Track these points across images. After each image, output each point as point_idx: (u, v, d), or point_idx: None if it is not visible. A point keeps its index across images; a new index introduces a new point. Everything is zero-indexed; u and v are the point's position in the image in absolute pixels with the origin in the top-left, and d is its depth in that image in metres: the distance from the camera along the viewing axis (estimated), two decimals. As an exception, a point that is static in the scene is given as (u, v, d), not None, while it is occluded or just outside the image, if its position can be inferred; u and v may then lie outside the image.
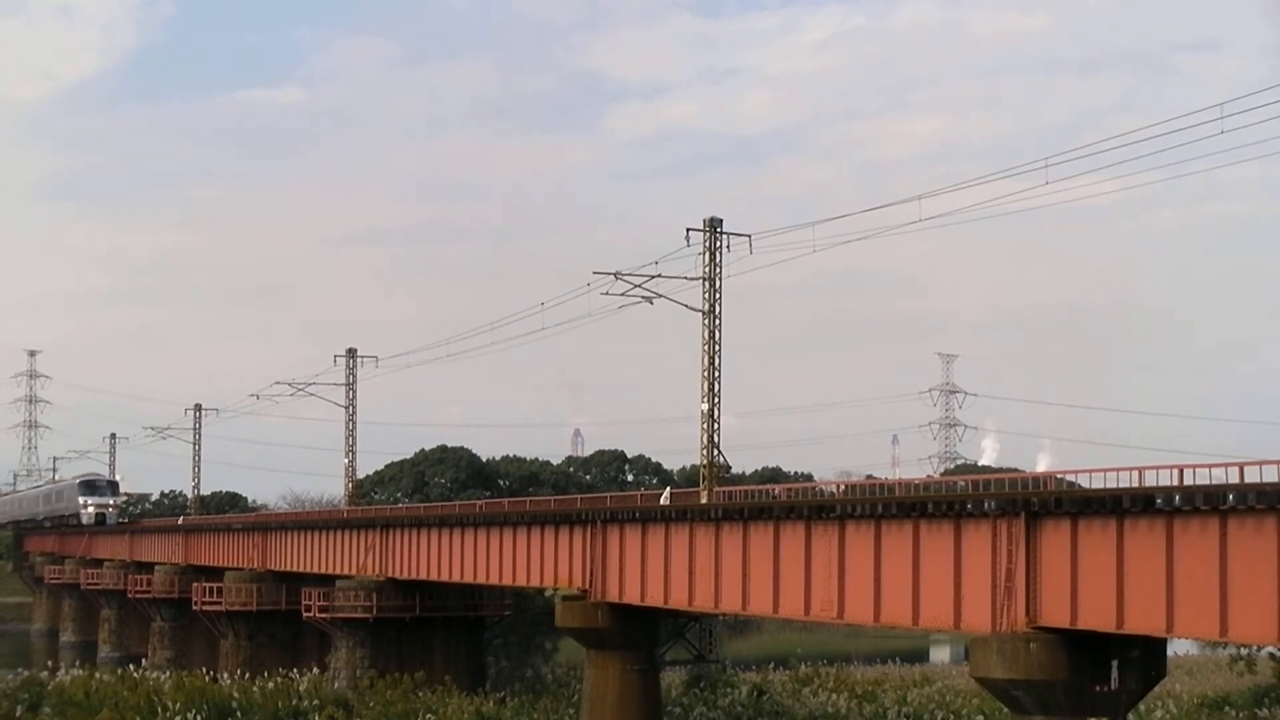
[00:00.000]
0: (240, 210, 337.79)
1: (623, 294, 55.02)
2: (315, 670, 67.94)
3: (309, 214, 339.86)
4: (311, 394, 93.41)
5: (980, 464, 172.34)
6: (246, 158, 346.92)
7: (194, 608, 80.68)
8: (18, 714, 61.05)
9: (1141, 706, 50.09)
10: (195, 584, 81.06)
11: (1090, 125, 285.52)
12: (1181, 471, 33.36)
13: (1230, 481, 30.91)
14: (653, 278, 54.46)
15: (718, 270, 52.86)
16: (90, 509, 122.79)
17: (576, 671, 65.08)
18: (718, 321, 52.77)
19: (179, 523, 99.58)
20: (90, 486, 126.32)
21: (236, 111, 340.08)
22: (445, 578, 59.47)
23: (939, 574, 33.49)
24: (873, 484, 64.25)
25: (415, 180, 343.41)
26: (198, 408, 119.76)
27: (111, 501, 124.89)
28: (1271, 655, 58.59)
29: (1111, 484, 33.96)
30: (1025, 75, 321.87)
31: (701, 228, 52.83)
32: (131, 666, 75.72)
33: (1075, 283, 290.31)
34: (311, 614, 66.51)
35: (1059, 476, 42.50)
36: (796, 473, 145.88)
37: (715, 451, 53.29)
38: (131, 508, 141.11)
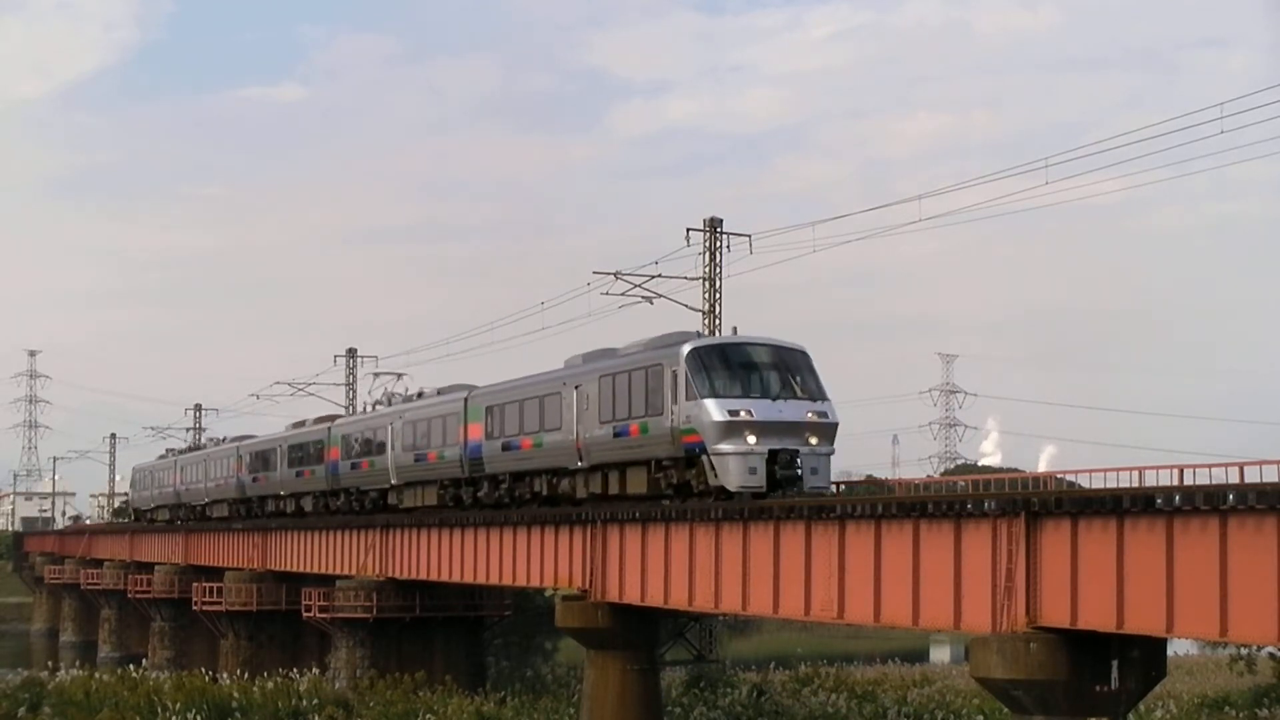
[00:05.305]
0: (240, 209, 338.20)
1: (623, 294, 55.07)
2: (315, 670, 67.85)
3: (309, 213, 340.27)
4: (311, 394, 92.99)
5: (980, 464, 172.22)
6: (247, 156, 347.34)
7: (194, 608, 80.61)
8: (18, 714, 61.00)
9: (1141, 707, 50.03)
10: (195, 584, 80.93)
11: (1096, 124, 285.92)
12: (1181, 471, 33.36)
13: (1230, 481, 30.91)
14: (653, 278, 54.54)
15: (718, 270, 52.99)
16: None
17: (576, 671, 65.03)
18: (718, 321, 52.84)
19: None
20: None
21: (237, 109, 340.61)
22: (445, 578, 59.43)
23: (939, 574, 33.46)
24: (873, 484, 64.31)
25: (416, 178, 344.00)
26: (198, 408, 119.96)
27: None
28: (1271, 655, 58.56)
29: (1111, 484, 33.99)
30: (1031, 73, 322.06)
31: (701, 227, 52.96)
32: (131, 666, 75.55)
33: (1076, 282, 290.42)
34: (311, 614, 66.47)
35: (1059, 476, 42.56)
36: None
37: (715, 451, 53.23)
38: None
